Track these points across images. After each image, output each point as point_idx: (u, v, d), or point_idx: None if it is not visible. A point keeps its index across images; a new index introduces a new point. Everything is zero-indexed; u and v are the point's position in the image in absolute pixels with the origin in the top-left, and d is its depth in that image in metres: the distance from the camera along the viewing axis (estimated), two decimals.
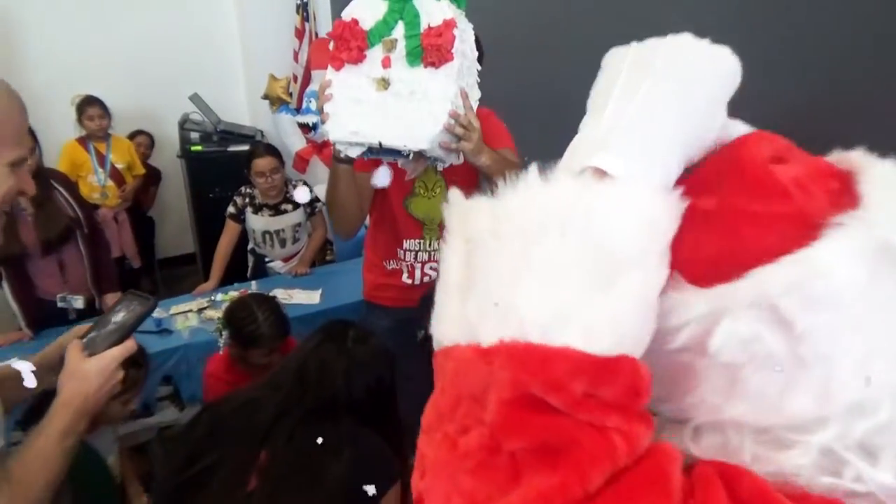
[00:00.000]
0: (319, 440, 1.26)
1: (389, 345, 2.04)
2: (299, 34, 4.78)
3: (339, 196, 1.74)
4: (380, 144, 1.46)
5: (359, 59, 1.45)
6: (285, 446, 1.23)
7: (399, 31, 1.44)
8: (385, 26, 1.44)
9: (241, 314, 2.05)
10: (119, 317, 1.01)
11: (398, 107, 1.45)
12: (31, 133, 2.34)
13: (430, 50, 1.40)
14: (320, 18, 4.91)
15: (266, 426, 1.27)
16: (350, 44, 1.44)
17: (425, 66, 1.42)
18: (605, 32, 2.95)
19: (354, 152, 1.53)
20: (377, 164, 1.71)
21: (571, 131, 0.68)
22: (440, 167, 1.69)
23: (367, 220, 2.10)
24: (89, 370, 0.93)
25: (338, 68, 1.47)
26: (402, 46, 1.44)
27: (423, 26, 1.42)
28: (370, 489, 1.23)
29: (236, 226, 3.05)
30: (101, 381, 0.94)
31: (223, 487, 1.19)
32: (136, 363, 1.70)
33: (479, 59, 1.84)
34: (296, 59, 4.78)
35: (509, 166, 1.77)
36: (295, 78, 4.72)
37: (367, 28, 1.45)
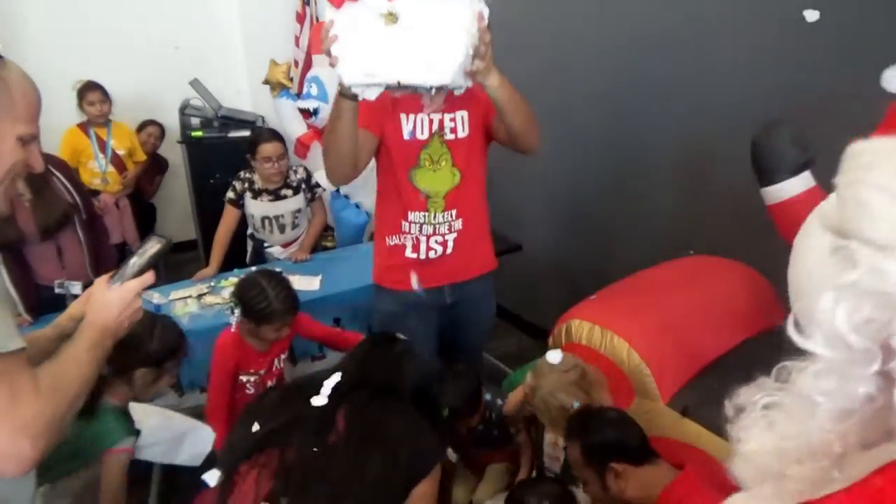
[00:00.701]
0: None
1: (396, 327, 2.06)
2: (300, 18, 4.75)
3: (338, 133, 1.67)
4: (398, 83, 1.40)
5: None
6: (362, 410, 1.38)
7: None
8: None
9: (251, 292, 2.09)
10: (138, 256, 1.15)
11: (413, 41, 1.36)
12: None
13: None
14: (321, 2, 4.87)
15: (340, 392, 1.42)
16: None
17: None
18: (612, 17, 2.92)
19: (372, 94, 1.46)
20: (376, 122, 1.68)
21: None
22: (457, 94, 1.64)
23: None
24: (111, 298, 1.07)
25: (339, 5, 1.37)
26: None
27: None
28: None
29: (236, 211, 3.04)
30: (121, 306, 1.07)
31: (305, 441, 1.32)
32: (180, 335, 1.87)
33: None
34: (297, 43, 4.75)
35: (524, 101, 1.77)
36: (296, 63, 4.70)
37: None
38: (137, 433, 1.82)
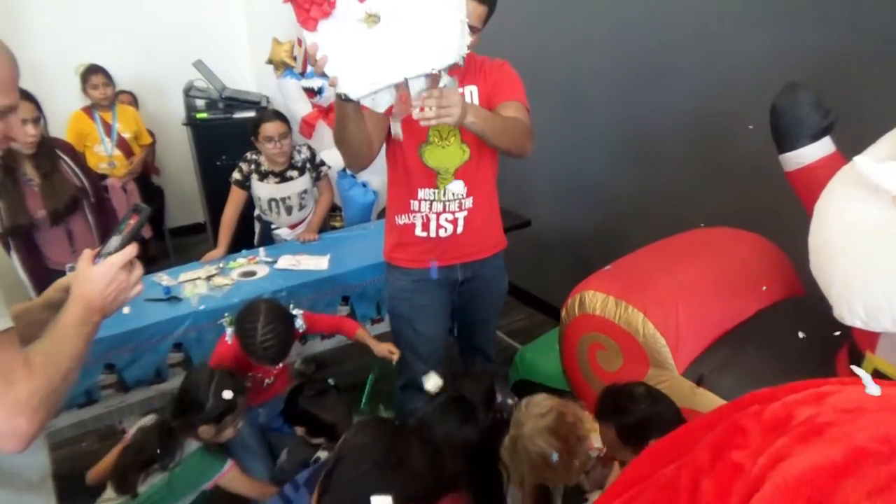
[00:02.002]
0: None
1: (407, 304, 2.05)
2: None
3: (349, 135, 1.68)
4: (406, 80, 1.35)
5: (330, 8, 1.29)
6: None
7: None
8: None
9: (245, 323, 2.07)
10: (118, 232, 1.14)
11: (403, 32, 1.32)
12: (36, 103, 2.32)
13: None
14: None
15: None
16: None
17: None
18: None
19: (385, 100, 1.41)
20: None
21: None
22: (461, 63, 1.56)
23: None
24: (96, 273, 1.06)
25: (313, 29, 1.32)
26: None
27: None
28: None
29: (242, 192, 3.02)
30: (105, 281, 1.06)
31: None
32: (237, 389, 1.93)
33: (492, 8, 1.78)
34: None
35: (504, 123, 1.73)
36: (299, 41, 4.63)
37: None
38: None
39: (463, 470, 1.51)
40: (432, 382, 1.84)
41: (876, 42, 2.01)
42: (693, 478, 0.61)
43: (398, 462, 1.24)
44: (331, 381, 2.14)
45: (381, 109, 1.43)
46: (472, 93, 1.86)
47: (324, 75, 1.37)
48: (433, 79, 1.43)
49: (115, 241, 1.13)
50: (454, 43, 1.34)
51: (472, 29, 1.63)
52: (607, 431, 1.55)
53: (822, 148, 1.63)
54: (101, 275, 1.06)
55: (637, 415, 1.49)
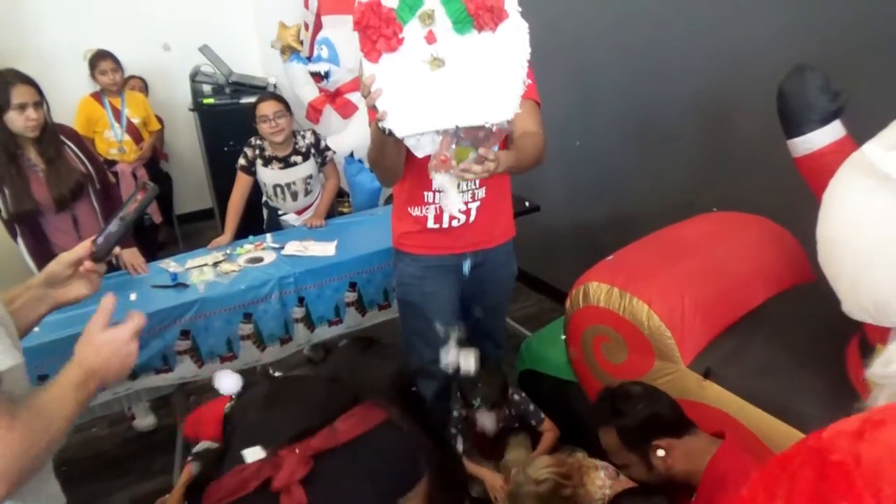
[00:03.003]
0: None
1: (417, 290, 2.04)
2: None
3: (386, 161, 1.71)
4: (457, 128, 1.34)
5: (398, 45, 1.28)
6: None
7: None
8: None
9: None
10: (123, 213, 1.13)
11: (465, 82, 1.30)
12: (37, 87, 2.31)
13: (482, 15, 1.25)
14: None
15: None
16: (382, 30, 1.26)
17: (480, 32, 1.27)
18: None
19: (427, 144, 1.39)
20: None
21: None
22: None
23: None
24: (102, 342, 1.00)
25: (375, 61, 1.30)
26: (443, 16, 1.26)
27: None
28: None
29: (247, 178, 3.02)
30: (111, 349, 1.00)
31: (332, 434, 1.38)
32: None
33: None
34: (306, 5, 4.64)
35: (527, 154, 1.73)
36: (306, 25, 4.60)
37: (395, 5, 1.27)
38: None
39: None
40: (468, 361, 1.79)
41: (887, 23, 1.95)
42: None
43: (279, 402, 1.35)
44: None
45: (421, 154, 1.41)
46: None
47: (374, 109, 1.36)
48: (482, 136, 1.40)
49: (113, 227, 1.12)
50: (512, 101, 1.33)
51: None
52: (608, 436, 1.52)
53: (831, 133, 1.59)
54: (108, 343, 1.01)
55: (636, 416, 1.46)
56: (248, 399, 1.47)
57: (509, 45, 1.31)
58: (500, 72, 1.31)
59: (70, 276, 1.08)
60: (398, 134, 1.38)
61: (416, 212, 1.98)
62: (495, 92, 1.32)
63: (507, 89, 1.32)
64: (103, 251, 1.11)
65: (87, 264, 1.08)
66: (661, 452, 1.41)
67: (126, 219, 1.13)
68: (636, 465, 1.47)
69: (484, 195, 1.94)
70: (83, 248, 1.09)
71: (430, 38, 1.29)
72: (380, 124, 1.40)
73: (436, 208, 1.95)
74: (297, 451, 1.29)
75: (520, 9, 1.33)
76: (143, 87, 4.62)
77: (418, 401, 1.63)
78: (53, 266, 1.08)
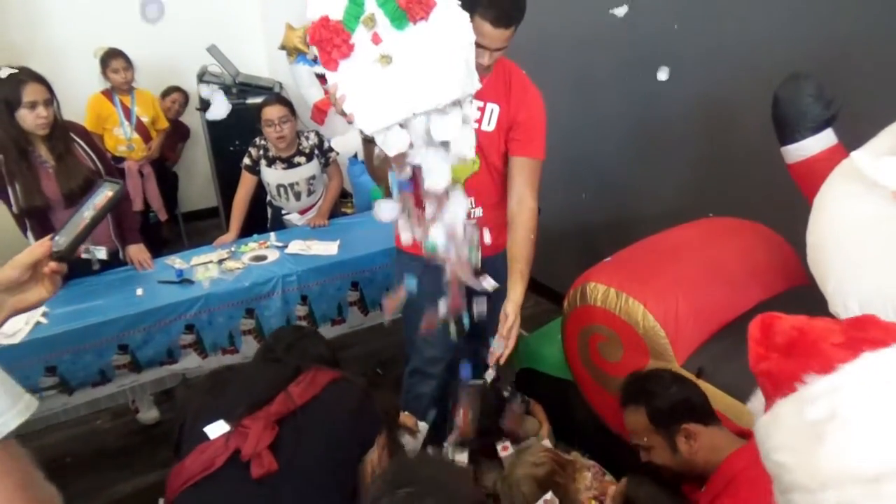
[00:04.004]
0: None
1: (418, 290, 2.09)
2: None
3: (380, 171, 1.76)
4: (414, 114, 1.43)
5: (349, 50, 1.39)
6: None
7: (370, 3, 1.37)
8: (355, 6, 1.37)
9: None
10: (93, 203, 1.08)
11: (413, 71, 1.39)
12: (47, 85, 2.36)
13: (413, 7, 1.34)
14: None
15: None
16: (334, 41, 1.38)
17: (415, 24, 1.37)
18: None
19: (394, 140, 1.47)
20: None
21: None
22: (472, 120, 1.67)
23: None
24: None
25: (335, 69, 1.41)
26: (382, 17, 1.37)
27: None
28: None
29: (252, 177, 3.07)
30: None
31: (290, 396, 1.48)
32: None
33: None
34: None
35: (530, 251, 1.94)
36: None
37: (341, 17, 1.37)
38: None
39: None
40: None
41: (880, 35, 1.99)
42: None
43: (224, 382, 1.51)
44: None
45: (391, 151, 1.49)
46: (492, 111, 1.88)
47: (343, 114, 1.45)
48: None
49: (78, 221, 1.06)
50: (457, 81, 1.41)
51: (499, 50, 1.72)
52: (636, 416, 1.54)
53: (824, 140, 1.63)
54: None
55: (669, 398, 1.49)
56: (192, 391, 1.55)
57: (445, 29, 1.39)
58: (440, 55, 1.39)
59: (28, 280, 0.98)
60: (366, 131, 1.46)
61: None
62: (440, 75, 1.40)
63: (450, 70, 1.41)
64: (67, 249, 1.02)
65: (52, 265, 0.99)
66: (685, 436, 1.45)
67: (92, 218, 1.07)
68: (660, 447, 1.49)
69: (480, 214, 2.00)
70: (41, 247, 0.99)
71: (376, 39, 1.38)
72: (351, 125, 1.48)
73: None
74: (260, 416, 1.36)
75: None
76: (185, 101, 4.70)
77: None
78: (8, 271, 0.97)
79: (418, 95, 1.41)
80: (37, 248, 0.99)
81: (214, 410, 1.42)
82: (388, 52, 1.39)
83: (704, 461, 1.42)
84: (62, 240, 1.03)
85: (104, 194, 1.10)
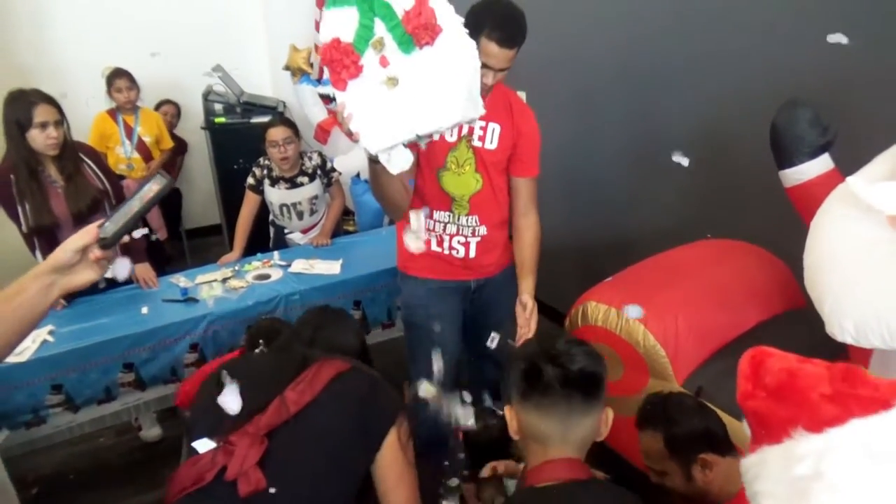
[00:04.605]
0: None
1: (421, 311, 2.11)
2: (320, 3, 4.76)
3: (384, 190, 1.81)
4: (417, 136, 1.47)
5: (358, 72, 1.44)
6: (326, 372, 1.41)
7: (380, 27, 1.41)
8: (365, 30, 1.42)
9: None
10: (135, 200, 1.10)
11: (417, 94, 1.44)
12: (58, 106, 2.40)
13: (419, 32, 1.39)
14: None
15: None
16: (344, 62, 1.43)
17: (421, 48, 1.41)
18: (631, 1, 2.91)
19: (398, 159, 1.52)
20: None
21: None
22: (476, 139, 1.84)
23: None
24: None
25: (343, 89, 1.46)
26: (390, 41, 1.42)
27: (400, 13, 1.39)
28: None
29: (256, 196, 3.10)
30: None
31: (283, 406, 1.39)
32: None
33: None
34: (317, 28, 4.77)
35: (537, 255, 2.09)
36: (317, 48, 4.71)
37: (351, 40, 1.43)
38: None
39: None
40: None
41: (874, 63, 2.04)
42: None
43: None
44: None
45: (394, 170, 1.53)
46: (494, 130, 1.94)
47: (350, 132, 1.49)
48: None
49: (123, 213, 1.08)
50: (459, 106, 1.45)
51: (503, 70, 1.80)
52: (653, 440, 1.51)
53: (821, 165, 1.67)
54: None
55: (690, 427, 1.47)
56: (204, 385, 1.49)
57: (450, 55, 1.42)
58: (443, 80, 1.43)
59: (77, 263, 1.05)
60: (371, 150, 1.50)
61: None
62: (442, 99, 1.44)
63: (451, 95, 1.44)
64: (111, 239, 1.06)
65: (97, 252, 1.05)
66: (701, 466, 1.42)
67: (139, 209, 1.09)
68: (675, 473, 1.48)
69: (485, 232, 2.03)
70: (88, 234, 1.05)
71: (384, 62, 1.43)
72: (358, 145, 1.52)
73: (437, 235, 2.04)
74: (249, 431, 1.29)
75: (461, 19, 1.45)
76: (177, 112, 4.75)
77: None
78: (59, 254, 1.05)
79: (421, 117, 1.45)
80: (85, 234, 1.05)
81: (207, 417, 1.38)
82: (394, 75, 1.43)
83: (719, 490, 1.41)
84: (109, 228, 1.06)
85: (152, 187, 1.12)
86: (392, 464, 1.36)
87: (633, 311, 1.88)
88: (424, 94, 1.44)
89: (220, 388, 1.46)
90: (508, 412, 1.25)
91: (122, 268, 1.23)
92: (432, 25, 1.39)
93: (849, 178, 1.38)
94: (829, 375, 0.70)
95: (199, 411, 1.45)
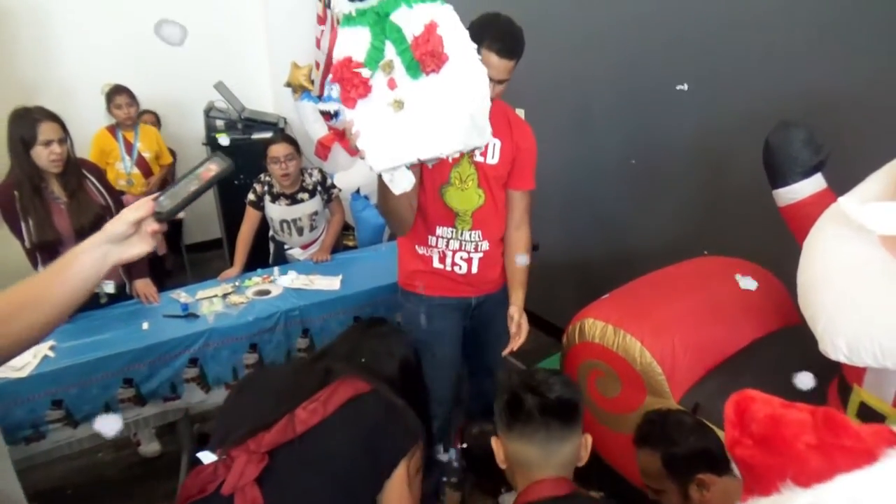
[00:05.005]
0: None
1: (422, 328, 2.13)
2: (321, 21, 4.82)
3: (393, 207, 1.84)
4: (419, 159, 1.50)
5: (367, 91, 1.47)
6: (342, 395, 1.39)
7: (390, 50, 1.44)
8: (376, 51, 1.45)
9: None
10: (201, 173, 1.11)
11: (421, 119, 1.46)
12: (62, 124, 2.43)
13: (425, 59, 1.41)
14: (342, 5, 4.93)
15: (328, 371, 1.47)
16: (354, 81, 1.46)
17: (427, 75, 1.43)
18: (628, 22, 2.95)
19: (401, 180, 1.56)
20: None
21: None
22: (477, 154, 1.87)
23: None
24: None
25: (353, 107, 1.49)
26: (399, 64, 1.44)
27: (409, 38, 1.42)
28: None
29: (256, 212, 3.13)
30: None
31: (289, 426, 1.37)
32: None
33: (519, 57, 1.90)
34: (318, 45, 4.82)
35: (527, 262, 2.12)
36: (317, 65, 4.77)
37: (362, 59, 1.46)
38: None
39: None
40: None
41: (868, 83, 2.07)
42: None
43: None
44: None
45: (396, 190, 1.56)
46: (495, 145, 1.97)
47: (356, 149, 1.53)
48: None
49: (181, 187, 1.08)
50: (460, 135, 1.47)
51: (501, 81, 1.84)
52: (651, 459, 1.52)
53: (814, 185, 1.69)
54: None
55: (688, 446, 1.47)
56: (231, 391, 1.48)
57: (456, 84, 1.44)
58: (447, 108, 1.45)
59: (131, 235, 1.06)
60: (375, 169, 1.53)
61: (422, 250, 2.09)
62: (444, 127, 1.46)
63: (453, 124, 1.46)
64: (168, 213, 1.07)
65: (154, 226, 1.07)
66: (697, 485, 1.43)
67: (196, 188, 1.09)
68: (672, 492, 1.48)
69: (487, 248, 2.06)
70: (145, 206, 1.06)
71: (392, 84, 1.45)
72: (360, 160, 1.57)
73: (440, 252, 2.06)
74: (250, 447, 1.28)
75: (475, 46, 1.47)
76: (156, 121, 4.77)
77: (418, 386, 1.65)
78: (115, 224, 1.06)
79: (424, 143, 1.48)
80: (141, 207, 1.06)
81: (220, 427, 1.38)
82: (401, 98, 1.46)
83: None
84: (165, 202, 1.08)
85: (211, 167, 1.12)
86: (398, 499, 1.35)
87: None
88: (428, 120, 1.46)
89: (240, 395, 1.47)
90: (495, 442, 1.32)
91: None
92: (439, 54, 1.41)
93: (840, 199, 1.41)
94: (814, 423, 0.71)
95: (218, 420, 1.46)
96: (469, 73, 1.46)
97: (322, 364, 1.49)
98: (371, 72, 1.46)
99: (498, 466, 1.80)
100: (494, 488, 2.33)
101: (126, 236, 1.05)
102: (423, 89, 1.45)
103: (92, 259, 1.04)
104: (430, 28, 1.40)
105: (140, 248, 1.07)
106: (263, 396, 1.42)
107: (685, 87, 2.43)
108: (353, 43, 1.46)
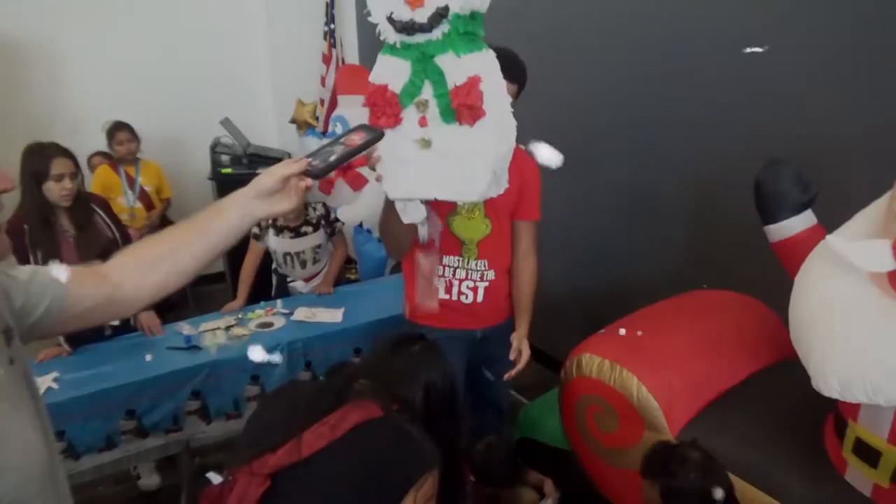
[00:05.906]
0: None
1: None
2: (326, 60, 4.95)
3: (395, 230, 1.86)
4: (435, 199, 1.53)
5: (396, 123, 1.49)
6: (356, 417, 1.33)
7: (427, 90, 1.45)
8: (413, 87, 1.46)
9: None
10: (346, 140, 1.15)
11: (446, 163, 1.48)
12: (73, 159, 2.50)
13: (462, 111, 1.41)
14: (347, 45, 5.08)
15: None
16: (385, 110, 1.48)
17: (460, 125, 1.43)
18: (625, 58, 3.03)
19: (413, 212, 1.60)
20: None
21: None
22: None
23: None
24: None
25: None
26: (433, 105, 1.45)
27: (449, 84, 1.41)
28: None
29: (260, 246, 3.17)
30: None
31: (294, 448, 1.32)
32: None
33: (522, 86, 1.95)
34: (323, 83, 4.94)
35: (533, 293, 2.20)
36: (322, 102, 4.88)
37: (397, 91, 1.47)
38: None
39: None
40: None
41: (853, 124, 2.13)
42: None
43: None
44: None
45: (406, 219, 1.61)
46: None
47: (372, 169, 1.56)
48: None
49: (334, 147, 1.12)
50: (480, 188, 1.49)
51: None
52: (651, 490, 1.53)
53: (804, 221, 1.73)
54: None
55: (684, 482, 1.46)
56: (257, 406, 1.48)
57: (484, 140, 1.45)
58: (473, 159, 1.47)
59: (278, 191, 1.09)
60: (389, 196, 1.57)
61: None
62: (467, 176, 1.48)
63: (476, 176, 1.48)
64: (317, 172, 1.11)
65: (307, 181, 1.11)
66: None
67: (342, 153, 1.13)
68: None
69: (493, 277, 2.09)
70: (298, 164, 1.09)
71: (423, 122, 1.48)
72: (379, 183, 1.58)
73: (446, 281, 2.09)
74: (253, 468, 1.24)
75: (512, 109, 1.49)
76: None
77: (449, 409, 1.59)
78: (265, 179, 1.09)
79: (444, 185, 1.50)
80: (293, 163, 1.10)
81: (241, 442, 1.39)
82: (430, 138, 1.48)
83: None
84: (315, 162, 1.12)
85: (360, 134, 1.17)
86: None
87: None
88: (452, 166, 1.47)
89: (263, 410, 1.47)
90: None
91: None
92: (477, 108, 1.41)
93: (828, 237, 1.44)
94: None
95: (241, 435, 1.45)
96: (501, 130, 1.47)
97: (334, 384, 1.43)
98: (404, 105, 1.48)
99: (511, 469, 1.81)
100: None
101: (274, 192, 1.08)
102: (453, 136, 1.45)
103: (239, 213, 1.09)
104: (473, 83, 1.39)
105: (285, 204, 1.11)
106: (278, 415, 1.40)
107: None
108: (392, 73, 1.48)
